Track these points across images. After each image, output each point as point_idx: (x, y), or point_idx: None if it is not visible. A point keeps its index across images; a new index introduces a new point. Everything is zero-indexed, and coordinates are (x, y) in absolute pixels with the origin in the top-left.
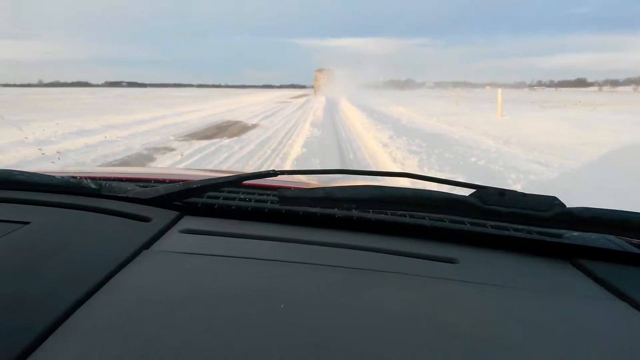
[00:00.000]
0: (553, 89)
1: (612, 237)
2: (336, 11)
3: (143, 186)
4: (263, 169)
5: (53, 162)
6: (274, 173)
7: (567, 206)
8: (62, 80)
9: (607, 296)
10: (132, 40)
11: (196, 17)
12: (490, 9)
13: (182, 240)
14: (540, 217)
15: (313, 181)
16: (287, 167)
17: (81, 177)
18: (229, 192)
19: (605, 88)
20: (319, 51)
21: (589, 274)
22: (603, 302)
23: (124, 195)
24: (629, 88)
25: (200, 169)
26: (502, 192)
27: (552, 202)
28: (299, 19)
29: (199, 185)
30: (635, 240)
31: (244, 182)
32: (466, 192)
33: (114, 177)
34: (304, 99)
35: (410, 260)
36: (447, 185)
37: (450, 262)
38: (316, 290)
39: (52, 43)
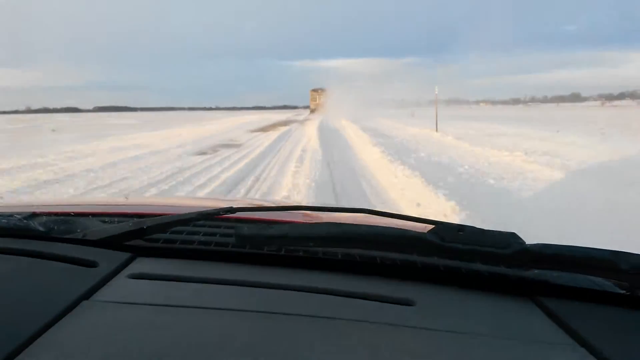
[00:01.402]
0: (554, 104)
1: (576, 275)
2: (327, 33)
3: (108, 221)
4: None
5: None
6: (233, 210)
7: (526, 243)
8: (50, 107)
9: (566, 341)
10: (122, 65)
11: (186, 40)
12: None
13: (128, 286)
14: (500, 254)
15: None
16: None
17: (42, 213)
18: (183, 230)
19: (604, 103)
20: (310, 72)
21: (550, 314)
22: (562, 348)
23: (73, 237)
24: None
25: (181, 198)
26: (460, 229)
27: (511, 239)
28: (290, 40)
29: (152, 224)
30: (598, 278)
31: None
32: (425, 227)
33: (80, 212)
34: (278, 133)
35: (366, 304)
36: (407, 222)
37: (407, 305)
38: (262, 342)
39: (39, 70)
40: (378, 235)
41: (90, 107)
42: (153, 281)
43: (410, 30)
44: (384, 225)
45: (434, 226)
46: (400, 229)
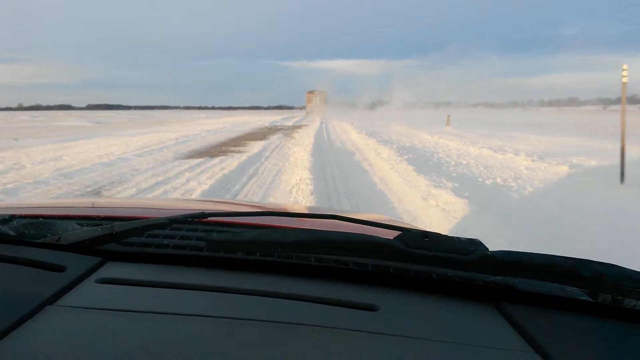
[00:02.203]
0: (554, 108)
1: (538, 281)
2: (324, 33)
3: (83, 225)
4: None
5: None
6: (204, 215)
7: (489, 250)
8: (43, 104)
9: (523, 347)
10: (117, 63)
11: (183, 39)
12: (479, 30)
13: (95, 292)
14: (464, 260)
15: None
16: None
17: (16, 216)
18: (155, 235)
19: (605, 107)
20: (307, 73)
21: (510, 320)
22: (518, 354)
23: (44, 241)
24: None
25: (166, 200)
26: (425, 235)
27: (474, 245)
28: (287, 40)
29: (122, 229)
30: (560, 285)
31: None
32: (392, 234)
33: (57, 215)
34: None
35: (330, 309)
36: (375, 228)
37: (371, 310)
38: (225, 347)
39: (32, 67)
40: (346, 241)
41: (84, 105)
42: (120, 286)
43: (407, 32)
44: (352, 232)
45: (400, 232)
46: (368, 235)
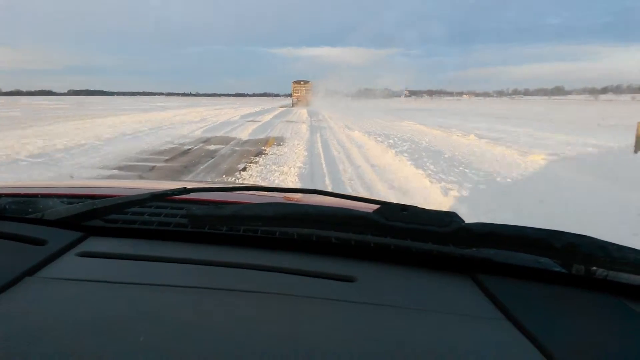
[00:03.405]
0: (545, 97)
1: (512, 253)
2: (310, 20)
3: (68, 202)
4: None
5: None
6: (186, 190)
7: (465, 222)
8: (23, 89)
9: (496, 315)
10: (101, 48)
11: (168, 25)
12: (465, 20)
13: (76, 264)
14: (440, 232)
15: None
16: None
17: (3, 195)
18: (137, 211)
19: (597, 97)
20: (293, 60)
21: (485, 290)
22: (490, 322)
23: (29, 217)
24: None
25: (145, 181)
26: (404, 208)
27: (451, 218)
28: (273, 27)
29: (104, 204)
30: (534, 256)
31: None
32: (371, 207)
33: (41, 194)
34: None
35: (309, 280)
36: (354, 202)
37: (349, 281)
38: (205, 317)
39: (12, 51)
40: (325, 215)
41: (65, 91)
42: (101, 259)
43: (394, 20)
44: (331, 206)
45: (379, 206)
46: (347, 208)
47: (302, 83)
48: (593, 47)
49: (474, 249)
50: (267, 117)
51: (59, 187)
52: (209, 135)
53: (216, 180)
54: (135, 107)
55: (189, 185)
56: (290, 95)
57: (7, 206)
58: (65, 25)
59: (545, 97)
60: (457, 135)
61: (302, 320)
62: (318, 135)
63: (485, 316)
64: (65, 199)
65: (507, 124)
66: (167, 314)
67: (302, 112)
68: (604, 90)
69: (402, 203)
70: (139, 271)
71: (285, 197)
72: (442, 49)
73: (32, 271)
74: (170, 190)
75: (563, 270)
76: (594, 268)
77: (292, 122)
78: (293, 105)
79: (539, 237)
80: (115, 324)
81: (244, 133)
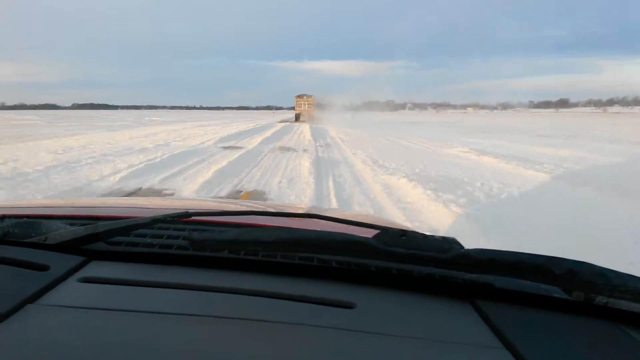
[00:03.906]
0: (553, 110)
1: (512, 279)
2: (313, 34)
3: (70, 224)
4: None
5: None
6: (187, 215)
7: (464, 248)
8: (28, 103)
9: (494, 343)
10: (105, 62)
11: (172, 38)
12: (469, 31)
13: (77, 291)
14: (440, 258)
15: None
16: None
17: (5, 216)
18: (140, 233)
19: (605, 110)
20: (296, 73)
21: (484, 317)
22: (488, 350)
23: (30, 241)
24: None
25: (149, 199)
26: (402, 234)
27: (450, 244)
28: (276, 41)
29: (106, 228)
30: (534, 283)
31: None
32: (371, 232)
33: (43, 215)
34: None
35: (308, 307)
36: (354, 227)
37: (348, 307)
38: (203, 345)
39: (16, 65)
40: (325, 240)
41: (69, 104)
42: (102, 285)
43: (396, 33)
44: (331, 231)
45: (378, 231)
46: (346, 234)
47: (304, 97)
48: (595, 60)
49: (474, 275)
50: (256, 140)
51: (61, 208)
52: (133, 184)
53: (220, 197)
54: (109, 124)
55: (195, 201)
56: (293, 108)
57: (9, 230)
58: (69, 37)
59: (552, 110)
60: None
61: (300, 348)
62: (330, 182)
63: (483, 344)
64: (67, 221)
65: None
66: (165, 342)
67: (304, 130)
68: (610, 102)
69: (401, 229)
70: (139, 298)
71: (285, 222)
72: (443, 61)
73: (33, 298)
74: (173, 214)
75: (563, 297)
76: (594, 295)
77: (288, 149)
78: (296, 119)
79: (538, 263)
80: (112, 352)
81: (199, 179)
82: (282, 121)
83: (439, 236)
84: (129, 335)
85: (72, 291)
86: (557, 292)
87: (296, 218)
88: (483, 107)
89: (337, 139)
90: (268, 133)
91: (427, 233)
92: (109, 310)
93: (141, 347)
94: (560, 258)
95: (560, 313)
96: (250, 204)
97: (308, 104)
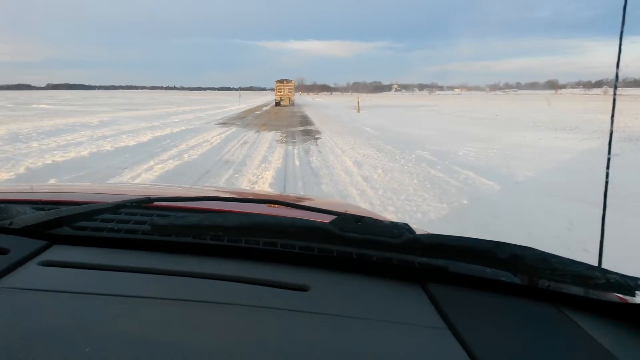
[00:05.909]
0: (543, 90)
1: (460, 263)
2: (298, 14)
3: (39, 208)
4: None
5: None
6: (150, 200)
7: (416, 233)
8: (1, 83)
9: (439, 324)
10: (83, 41)
11: (153, 17)
12: (456, 12)
13: (37, 274)
14: (392, 243)
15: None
16: None
17: None
18: (104, 219)
19: (606, 92)
20: (281, 53)
21: (432, 299)
22: (432, 330)
23: None
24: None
25: (116, 185)
26: (359, 220)
27: (401, 229)
28: (260, 20)
29: (68, 213)
30: (480, 266)
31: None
32: (328, 218)
33: (9, 199)
34: None
35: (262, 290)
36: (312, 212)
37: (302, 290)
38: (158, 327)
39: None
40: (284, 225)
41: (43, 85)
42: (63, 268)
43: (382, 13)
44: (290, 217)
45: (335, 217)
46: (304, 219)
47: (284, 82)
48: (582, 42)
49: (424, 259)
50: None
51: (27, 193)
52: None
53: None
54: (61, 109)
55: (162, 188)
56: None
57: None
58: (47, 15)
59: (542, 91)
60: None
61: (252, 329)
62: None
63: (428, 325)
64: (33, 205)
65: None
66: (122, 324)
67: (283, 114)
68: (599, 84)
69: (357, 215)
70: (99, 281)
71: (246, 207)
72: (430, 42)
73: None
74: (135, 200)
75: (508, 280)
76: (536, 279)
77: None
78: (277, 104)
79: (485, 248)
80: (68, 334)
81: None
82: (263, 105)
83: (392, 222)
84: (87, 317)
85: (31, 274)
86: (505, 276)
87: (259, 204)
88: (470, 89)
89: (327, 139)
90: (230, 132)
91: (382, 219)
92: (68, 292)
93: (99, 329)
94: (505, 243)
95: (505, 296)
96: (215, 190)
97: (288, 89)
